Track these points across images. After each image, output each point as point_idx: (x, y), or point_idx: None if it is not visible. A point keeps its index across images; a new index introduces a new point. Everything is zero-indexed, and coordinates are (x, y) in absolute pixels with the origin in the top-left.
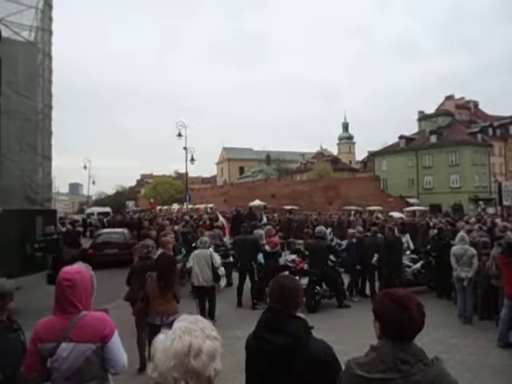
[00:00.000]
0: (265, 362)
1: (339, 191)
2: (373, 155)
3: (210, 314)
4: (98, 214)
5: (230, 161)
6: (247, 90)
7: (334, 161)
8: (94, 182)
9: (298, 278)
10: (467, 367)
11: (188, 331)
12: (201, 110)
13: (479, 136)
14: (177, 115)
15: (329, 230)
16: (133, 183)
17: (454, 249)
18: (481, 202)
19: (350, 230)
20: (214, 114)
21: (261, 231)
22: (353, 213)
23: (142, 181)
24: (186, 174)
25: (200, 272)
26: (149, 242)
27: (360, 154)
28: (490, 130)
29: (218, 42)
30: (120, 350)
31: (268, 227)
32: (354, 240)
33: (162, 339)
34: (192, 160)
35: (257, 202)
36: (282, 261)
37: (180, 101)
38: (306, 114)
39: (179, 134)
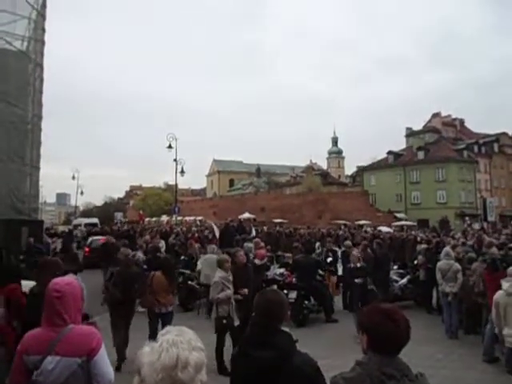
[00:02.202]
0: (250, 376)
1: (328, 205)
2: (362, 170)
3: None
4: (86, 224)
5: (220, 173)
6: (238, 103)
7: (324, 175)
8: (82, 193)
9: (285, 291)
10: (453, 382)
11: (175, 343)
12: (192, 122)
13: (465, 153)
14: (167, 126)
15: (317, 244)
16: (122, 194)
17: (439, 264)
18: (467, 218)
19: (354, 253)
20: (205, 126)
21: (250, 244)
22: (342, 227)
23: (131, 192)
24: (176, 185)
25: (211, 272)
26: (127, 251)
27: (349, 169)
28: (476, 147)
29: (209, 55)
30: (106, 364)
31: (256, 240)
32: (358, 265)
33: (148, 352)
34: (182, 172)
35: (246, 215)
36: (270, 274)
37: (171, 112)
38: (297, 128)
39: (169, 146)
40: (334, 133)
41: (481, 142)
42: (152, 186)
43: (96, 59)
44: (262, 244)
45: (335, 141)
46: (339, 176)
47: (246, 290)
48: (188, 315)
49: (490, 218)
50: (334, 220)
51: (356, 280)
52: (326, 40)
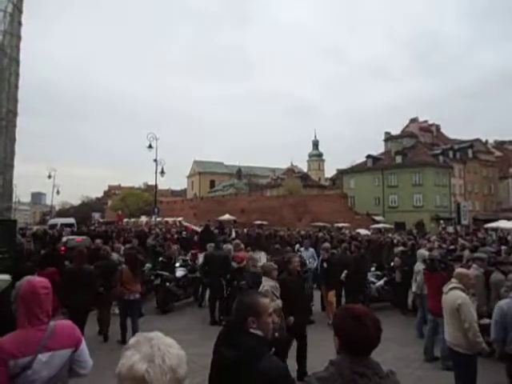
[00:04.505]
0: (217, 374)
1: (308, 207)
2: (341, 173)
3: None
4: (62, 225)
5: (201, 174)
6: (221, 105)
7: (304, 177)
8: (58, 192)
9: None
10: (428, 382)
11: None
12: (173, 123)
13: (441, 158)
14: (148, 126)
15: (297, 246)
16: (100, 194)
17: (415, 266)
18: (441, 221)
19: (326, 245)
20: (186, 126)
21: (230, 246)
22: (321, 229)
23: (110, 192)
24: (156, 186)
25: None
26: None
27: (329, 172)
28: (451, 153)
29: (192, 56)
30: (87, 351)
31: (236, 241)
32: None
33: (127, 367)
34: (162, 172)
35: (227, 217)
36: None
37: (152, 112)
38: (279, 130)
39: (150, 146)
40: (315, 136)
41: (456, 147)
42: (131, 186)
43: (74, 57)
44: (242, 246)
45: (316, 144)
46: (319, 179)
47: (291, 319)
48: (165, 317)
49: (463, 222)
50: (314, 222)
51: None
52: (311, 45)
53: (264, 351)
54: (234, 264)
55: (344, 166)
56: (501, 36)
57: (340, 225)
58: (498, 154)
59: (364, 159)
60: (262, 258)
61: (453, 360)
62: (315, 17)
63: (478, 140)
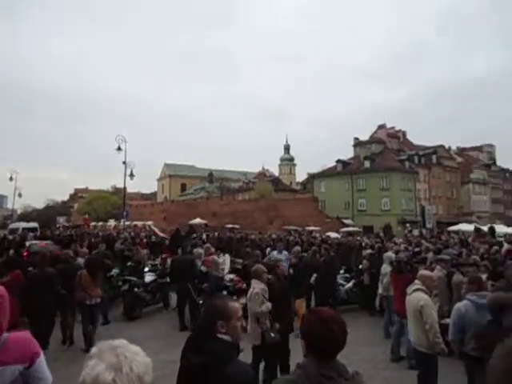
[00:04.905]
0: (184, 381)
1: (280, 211)
2: (312, 177)
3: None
4: (24, 229)
5: (172, 177)
6: (193, 107)
7: (275, 181)
8: (20, 195)
9: (235, 297)
10: (394, 382)
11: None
12: (142, 125)
13: (407, 163)
14: (117, 128)
15: (268, 249)
16: (65, 197)
17: (382, 268)
18: (407, 224)
19: (297, 248)
20: (158, 129)
21: (200, 250)
22: (292, 232)
23: (76, 195)
24: (125, 189)
25: None
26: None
27: (300, 176)
28: (416, 159)
29: (166, 56)
30: (46, 367)
31: (206, 245)
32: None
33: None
34: (131, 175)
35: (198, 220)
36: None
37: (121, 114)
38: (251, 134)
39: (119, 148)
40: (287, 140)
41: (421, 153)
42: (99, 189)
43: (41, 56)
44: (213, 250)
45: (287, 148)
46: (290, 183)
47: (277, 325)
48: (133, 324)
49: (428, 225)
50: (285, 226)
51: None
52: (285, 50)
53: (232, 356)
54: (204, 268)
55: (315, 170)
56: (468, 47)
57: (311, 228)
58: (459, 160)
59: (334, 164)
60: (226, 261)
61: (416, 359)
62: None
63: (441, 146)
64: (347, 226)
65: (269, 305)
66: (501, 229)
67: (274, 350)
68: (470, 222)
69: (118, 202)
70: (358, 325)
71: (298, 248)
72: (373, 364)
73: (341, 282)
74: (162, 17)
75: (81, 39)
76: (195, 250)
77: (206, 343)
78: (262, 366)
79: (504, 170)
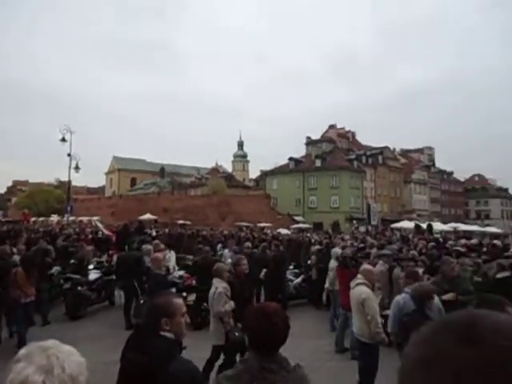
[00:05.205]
0: (125, 382)
1: (232, 207)
2: (265, 174)
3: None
4: None
5: (121, 171)
6: (145, 101)
7: (229, 177)
8: None
9: (184, 294)
10: (338, 372)
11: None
12: (91, 116)
13: (355, 163)
14: (63, 118)
15: (219, 245)
16: (2, 190)
17: (330, 263)
18: (354, 221)
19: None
20: (106, 121)
21: (149, 246)
22: (244, 229)
23: (15, 188)
24: (69, 182)
25: None
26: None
27: (253, 173)
28: (364, 158)
29: (113, 47)
30: None
31: (155, 241)
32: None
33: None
34: (77, 168)
35: (148, 216)
36: (169, 277)
37: (68, 103)
38: (205, 130)
39: (63, 139)
40: (240, 137)
41: (368, 153)
42: (41, 182)
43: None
44: (162, 246)
45: (241, 145)
46: (243, 179)
47: (239, 325)
48: (75, 324)
49: (373, 222)
50: (237, 222)
51: None
52: (242, 48)
53: (175, 353)
54: (151, 265)
55: (268, 167)
56: (413, 54)
57: (262, 225)
58: (403, 160)
59: (286, 161)
60: (171, 258)
61: (359, 349)
62: (248, 22)
63: (386, 147)
64: (298, 222)
65: (232, 304)
66: (438, 226)
67: (237, 348)
68: (411, 219)
69: (61, 196)
70: (305, 319)
71: (248, 244)
72: (318, 356)
73: (290, 277)
74: (109, 7)
75: (23, 31)
76: (144, 247)
77: (147, 342)
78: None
79: (442, 172)
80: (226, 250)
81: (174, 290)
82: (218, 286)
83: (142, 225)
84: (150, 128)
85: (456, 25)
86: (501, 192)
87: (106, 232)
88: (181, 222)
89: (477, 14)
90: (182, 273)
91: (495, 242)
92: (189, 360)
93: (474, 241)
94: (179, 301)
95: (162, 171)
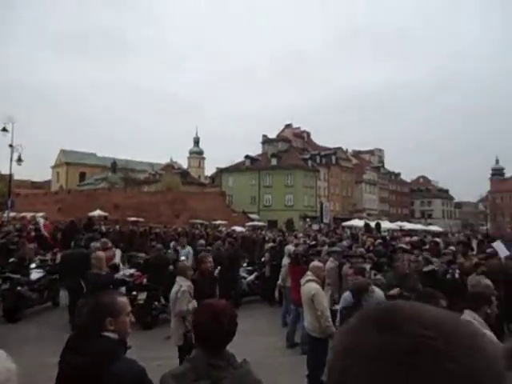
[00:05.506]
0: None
1: (187, 204)
2: (221, 171)
3: None
4: None
5: (69, 165)
6: (94, 92)
7: (184, 174)
8: None
9: (135, 293)
10: (290, 367)
11: None
12: (36, 106)
13: (309, 162)
14: (3, 107)
15: (172, 243)
16: None
17: (283, 260)
18: (308, 219)
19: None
20: (53, 112)
21: (98, 244)
22: (198, 226)
23: None
24: (10, 175)
25: None
26: None
27: (209, 170)
28: (318, 158)
29: (66, 34)
30: None
31: (103, 240)
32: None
33: None
34: (19, 160)
35: (97, 212)
36: (119, 275)
37: (12, 91)
38: (159, 124)
39: (4, 129)
40: (196, 133)
41: (322, 153)
42: None
43: None
44: (110, 244)
45: (197, 141)
46: (199, 176)
47: None
48: (14, 327)
49: (325, 220)
50: (192, 219)
51: None
52: (199, 43)
53: (119, 353)
54: None
55: (224, 165)
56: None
57: (217, 222)
58: (355, 161)
59: (243, 159)
60: (117, 255)
61: (309, 344)
62: (206, 16)
63: (339, 148)
64: (253, 220)
65: (195, 303)
66: (385, 224)
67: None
68: (361, 218)
69: (2, 189)
70: (258, 315)
71: (202, 242)
72: (270, 352)
73: (243, 274)
74: None
75: None
76: (92, 244)
77: (88, 342)
78: None
79: (390, 173)
80: (173, 243)
81: (123, 288)
82: (182, 284)
83: (90, 221)
84: (100, 121)
85: (401, 30)
86: (442, 193)
87: (45, 233)
88: (133, 219)
89: (422, 23)
90: (132, 271)
91: (436, 239)
92: (133, 360)
93: (415, 238)
94: (124, 299)
95: (113, 166)
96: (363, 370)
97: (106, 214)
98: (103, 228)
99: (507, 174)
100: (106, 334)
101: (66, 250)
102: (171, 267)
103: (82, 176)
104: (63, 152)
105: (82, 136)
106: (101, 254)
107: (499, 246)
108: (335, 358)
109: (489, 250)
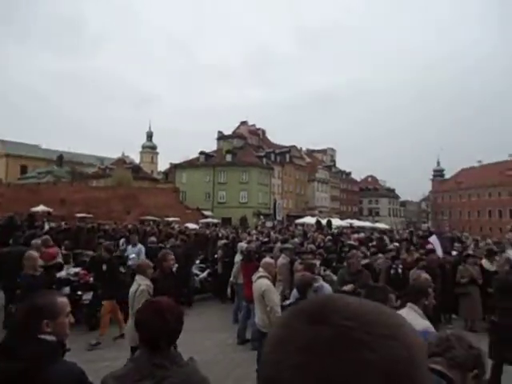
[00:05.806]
0: None
1: (139, 200)
2: (174, 167)
3: None
4: None
5: (9, 157)
6: (43, 80)
7: (135, 169)
8: None
9: (80, 292)
10: (240, 362)
11: None
12: None
13: (264, 160)
14: None
15: (122, 240)
16: None
17: (235, 257)
18: (262, 217)
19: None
20: None
21: (39, 241)
22: (151, 223)
23: None
24: None
25: None
26: None
27: (163, 165)
28: (273, 156)
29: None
30: None
31: (45, 237)
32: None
33: None
34: None
35: (41, 208)
36: (63, 274)
37: None
38: (111, 116)
39: None
40: (150, 127)
41: (277, 151)
42: None
43: None
44: (52, 242)
45: (150, 136)
46: (152, 171)
47: None
48: None
49: (278, 218)
50: (144, 216)
51: None
52: (162, 37)
53: (56, 356)
54: (41, 262)
55: (178, 160)
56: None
57: (170, 219)
58: (308, 160)
59: (197, 155)
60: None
61: (259, 340)
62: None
63: (294, 147)
64: (207, 217)
65: None
66: (336, 222)
67: None
68: (313, 215)
69: None
70: (210, 312)
71: (153, 239)
72: (222, 348)
73: (196, 271)
74: None
75: None
76: (34, 242)
77: (22, 346)
78: None
79: (341, 172)
80: (129, 247)
81: (67, 288)
82: (141, 283)
83: (32, 217)
84: (46, 112)
85: (368, 36)
86: (389, 192)
87: None
88: (81, 215)
89: (395, 31)
90: (77, 270)
91: (382, 236)
92: (73, 362)
93: (362, 235)
94: (63, 300)
95: (59, 159)
96: (294, 362)
97: (50, 209)
98: (46, 225)
99: (447, 175)
100: (43, 336)
101: (3, 248)
102: (104, 267)
103: (24, 169)
104: (3, 142)
105: (24, 127)
106: (33, 253)
107: (435, 241)
108: (269, 351)
109: (429, 246)
